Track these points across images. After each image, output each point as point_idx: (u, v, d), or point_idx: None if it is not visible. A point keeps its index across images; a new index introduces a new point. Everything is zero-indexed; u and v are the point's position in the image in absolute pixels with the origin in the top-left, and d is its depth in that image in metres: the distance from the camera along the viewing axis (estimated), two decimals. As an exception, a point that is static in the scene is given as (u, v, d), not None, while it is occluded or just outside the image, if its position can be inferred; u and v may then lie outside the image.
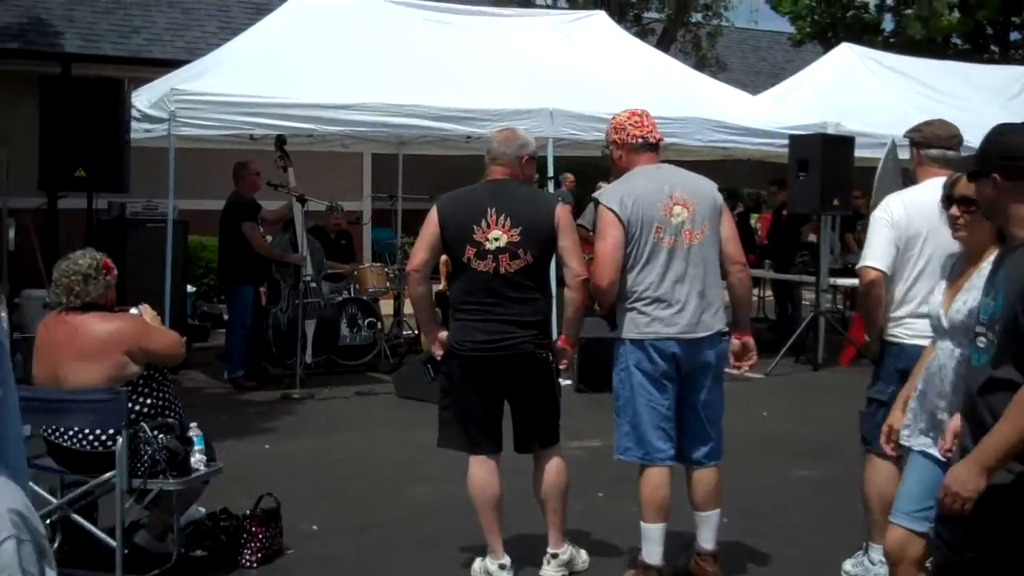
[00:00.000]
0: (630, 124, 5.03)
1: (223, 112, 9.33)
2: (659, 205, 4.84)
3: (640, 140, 5.01)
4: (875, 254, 4.89)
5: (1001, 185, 3.13)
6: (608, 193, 4.97)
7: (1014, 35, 25.31)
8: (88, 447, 5.00)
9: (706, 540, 5.02)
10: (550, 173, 10.48)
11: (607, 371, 8.44)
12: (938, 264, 4.82)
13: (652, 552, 4.86)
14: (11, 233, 9.58)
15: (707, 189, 5.03)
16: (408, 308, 10.79)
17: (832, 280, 12.08)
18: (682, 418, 4.92)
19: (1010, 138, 3.15)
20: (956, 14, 22.81)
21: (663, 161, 5.19)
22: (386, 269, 11.42)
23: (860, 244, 13.29)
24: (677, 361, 4.81)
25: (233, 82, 9.62)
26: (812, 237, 13.31)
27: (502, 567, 5.08)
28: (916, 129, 5.15)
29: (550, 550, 5.17)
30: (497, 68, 11.08)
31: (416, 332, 11.39)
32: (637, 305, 4.86)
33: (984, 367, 3.14)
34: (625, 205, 4.82)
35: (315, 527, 5.88)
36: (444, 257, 5.37)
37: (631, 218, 4.81)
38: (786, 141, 11.17)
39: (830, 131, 11.41)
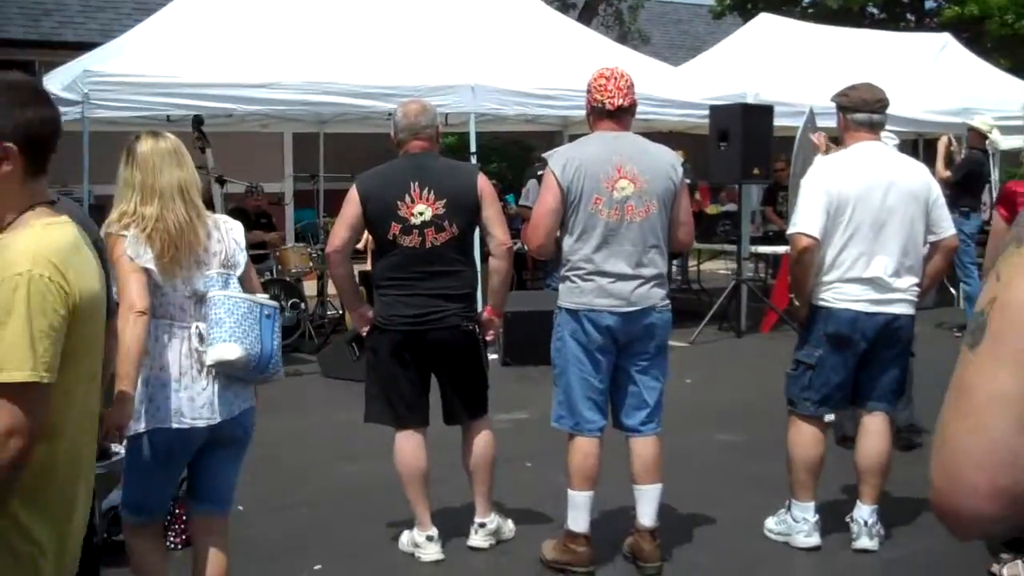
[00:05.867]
0: (594, 87, 4.89)
1: (138, 93, 9.21)
2: (603, 176, 4.75)
3: (598, 105, 4.88)
4: (807, 220, 4.94)
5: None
6: (556, 155, 4.90)
7: (929, 3, 25.81)
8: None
9: (644, 515, 4.96)
10: (472, 148, 10.49)
11: (533, 344, 8.55)
12: (868, 229, 4.93)
13: (578, 519, 4.90)
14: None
15: (663, 166, 4.87)
16: (332, 288, 10.78)
17: (753, 248, 12.25)
18: (620, 386, 4.95)
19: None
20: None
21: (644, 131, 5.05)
22: (308, 249, 11.35)
23: (781, 215, 13.54)
24: (612, 333, 4.80)
25: (148, 62, 9.48)
26: (731, 206, 13.51)
27: (430, 538, 5.11)
28: (842, 94, 5.19)
29: (477, 520, 5.23)
30: (417, 43, 11.03)
31: (340, 312, 11.36)
32: (571, 275, 4.85)
33: None
34: (567, 171, 4.76)
35: (241, 507, 5.84)
36: (368, 236, 5.37)
37: (570, 185, 4.76)
38: (707, 112, 11.30)
39: (749, 101, 11.54)
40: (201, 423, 3.77)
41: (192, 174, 3.87)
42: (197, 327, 3.78)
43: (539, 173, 14.27)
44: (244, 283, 3.95)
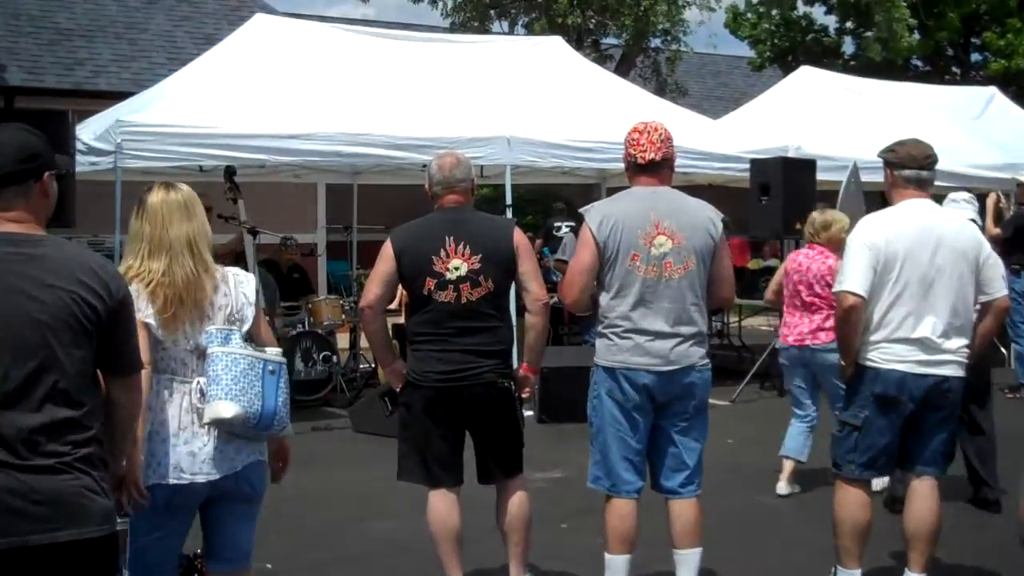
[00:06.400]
0: (628, 142, 4.95)
1: (171, 143, 9.31)
2: (640, 232, 4.77)
3: (631, 159, 4.94)
4: (853, 279, 4.91)
5: None
6: (593, 210, 4.92)
7: (974, 56, 25.80)
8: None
9: None
10: (508, 201, 10.52)
11: (570, 401, 8.52)
12: (916, 288, 4.89)
13: (615, 584, 4.86)
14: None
15: (702, 222, 4.87)
16: (365, 341, 10.80)
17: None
18: (658, 446, 4.92)
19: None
20: (916, 36, 23.21)
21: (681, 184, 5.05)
22: (341, 302, 11.40)
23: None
24: (650, 392, 4.79)
25: (181, 113, 9.61)
26: (773, 261, 13.46)
27: (463, 602, 5.08)
28: (890, 149, 5.18)
29: (512, 582, 5.19)
30: (453, 95, 11.14)
31: (373, 365, 11.38)
32: (608, 332, 4.85)
33: None
34: (603, 227, 4.78)
35: (269, 566, 5.85)
36: (402, 291, 5.38)
37: (607, 241, 4.78)
38: (747, 165, 11.29)
39: (791, 154, 11.54)
40: (201, 478, 3.79)
41: (202, 227, 3.93)
42: (199, 382, 3.81)
43: (555, 224, 14.41)
44: (255, 338, 3.97)
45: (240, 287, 3.96)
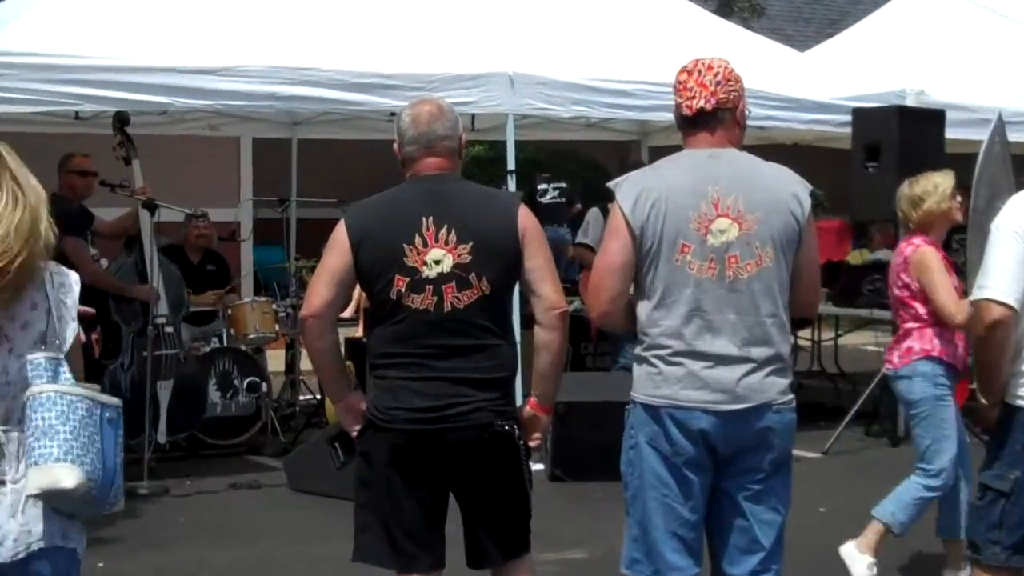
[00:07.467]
0: (675, 87, 4.93)
1: (36, 79, 9.26)
2: (691, 214, 4.72)
3: (676, 111, 4.93)
4: (1000, 282, 4.84)
5: None
6: (626, 183, 4.88)
7: None
8: None
9: None
10: (510, 165, 10.48)
11: (595, 450, 8.53)
12: None
13: None
14: None
15: (782, 197, 4.83)
16: (307, 363, 10.80)
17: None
18: (721, 518, 4.90)
19: None
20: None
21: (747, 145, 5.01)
22: (274, 306, 11.37)
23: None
24: (709, 441, 4.75)
25: (51, 37, 9.57)
26: (885, 252, 13.44)
27: None
28: None
29: None
30: (434, 15, 11.11)
31: (318, 397, 11.37)
32: (650, 355, 4.82)
33: None
34: (640, 206, 4.73)
35: None
36: (360, 293, 5.37)
37: (645, 227, 4.73)
38: (848, 117, 11.27)
39: (910, 102, 11.52)
40: None
41: None
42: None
43: (540, 187, 14.42)
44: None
45: (61, 293, 3.68)
